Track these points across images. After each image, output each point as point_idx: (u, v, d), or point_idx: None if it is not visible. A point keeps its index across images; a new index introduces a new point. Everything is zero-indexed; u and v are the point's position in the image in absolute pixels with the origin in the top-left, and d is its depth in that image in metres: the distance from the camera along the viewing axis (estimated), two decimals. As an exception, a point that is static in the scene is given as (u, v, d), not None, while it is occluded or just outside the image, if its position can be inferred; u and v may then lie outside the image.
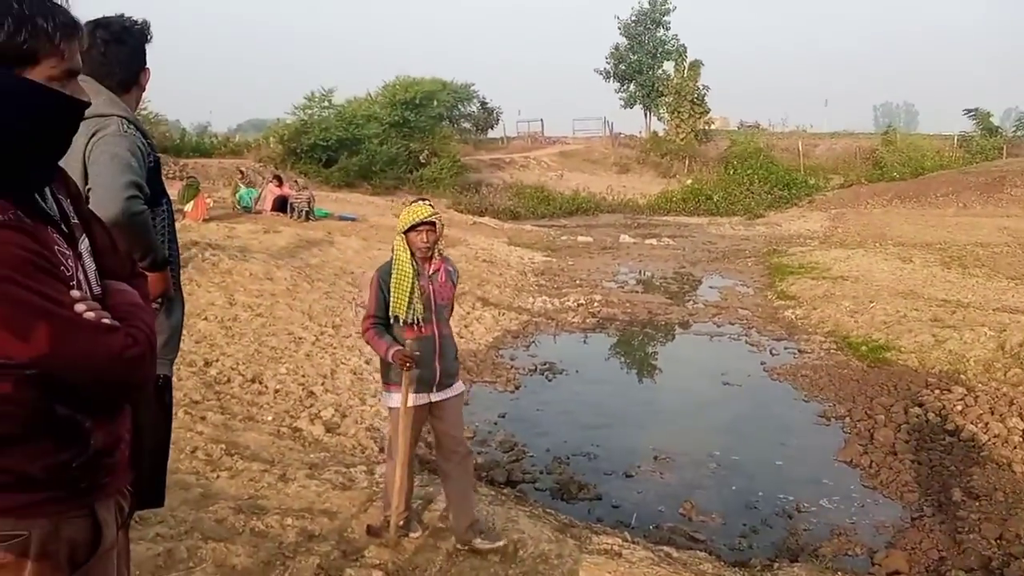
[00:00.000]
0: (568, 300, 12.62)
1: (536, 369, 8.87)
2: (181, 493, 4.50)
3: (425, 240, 3.86)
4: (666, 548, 4.71)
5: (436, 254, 4.01)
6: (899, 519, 5.37)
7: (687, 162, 38.07)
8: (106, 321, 1.39)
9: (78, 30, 1.41)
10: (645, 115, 46.40)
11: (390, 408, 4.09)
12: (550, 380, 8.58)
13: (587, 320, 11.46)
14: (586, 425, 7.23)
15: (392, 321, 3.92)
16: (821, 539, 5.07)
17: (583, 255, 18.66)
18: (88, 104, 1.47)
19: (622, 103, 46.45)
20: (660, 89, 43.07)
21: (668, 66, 43.67)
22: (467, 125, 43.84)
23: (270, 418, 6.37)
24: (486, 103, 44.61)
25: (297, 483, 4.86)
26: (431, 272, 3.99)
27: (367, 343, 4.06)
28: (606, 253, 19.23)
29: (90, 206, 2.00)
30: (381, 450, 6.15)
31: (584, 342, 10.57)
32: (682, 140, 40.17)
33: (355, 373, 7.76)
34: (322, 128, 28.60)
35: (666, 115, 42.46)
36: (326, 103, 30.37)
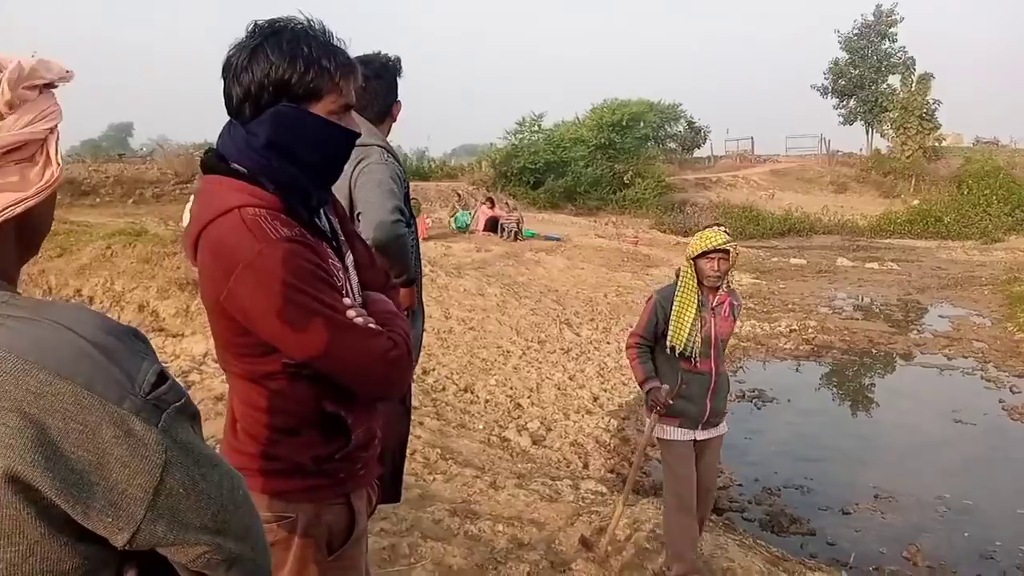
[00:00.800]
0: (779, 325, 12.11)
1: (744, 395, 8.58)
2: (402, 492, 4.83)
3: (716, 269, 3.59)
4: (888, 592, 4.40)
5: (724, 285, 3.74)
6: None
7: (913, 181, 35.23)
8: (372, 326, 1.52)
9: (355, 69, 1.58)
10: (866, 132, 43.59)
11: (658, 438, 3.87)
12: (759, 408, 8.27)
13: (800, 347, 10.94)
14: (798, 456, 6.91)
15: (668, 351, 3.68)
16: (1075, 602, 4.51)
17: (795, 278, 17.84)
18: (359, 135, 1.65)
19: (841, 120, 43.96)
20: (884, 104, 40.27)
21: (894, 80, 40.80)
22: (673, 145, 43.36)
23: (481, 427, 6.66)
24: (693, 122, 43.91)
25: (507, 491, 5.04)
26: (715, 304, 3.73)
27: (628, 360, 3.87)
28: (821, 277, 18.25)
29: (360, 229, 2.21)
30: (585, 466, 6.24)
31: (797, 370, 10.09)
32: (908, 158, 37.24)
33: (559, 388, 7.92)
34: (531, 152, 29.50)
35: (891, 131, 39.62)
36: (536, 127, 31.29)
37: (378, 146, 2.69)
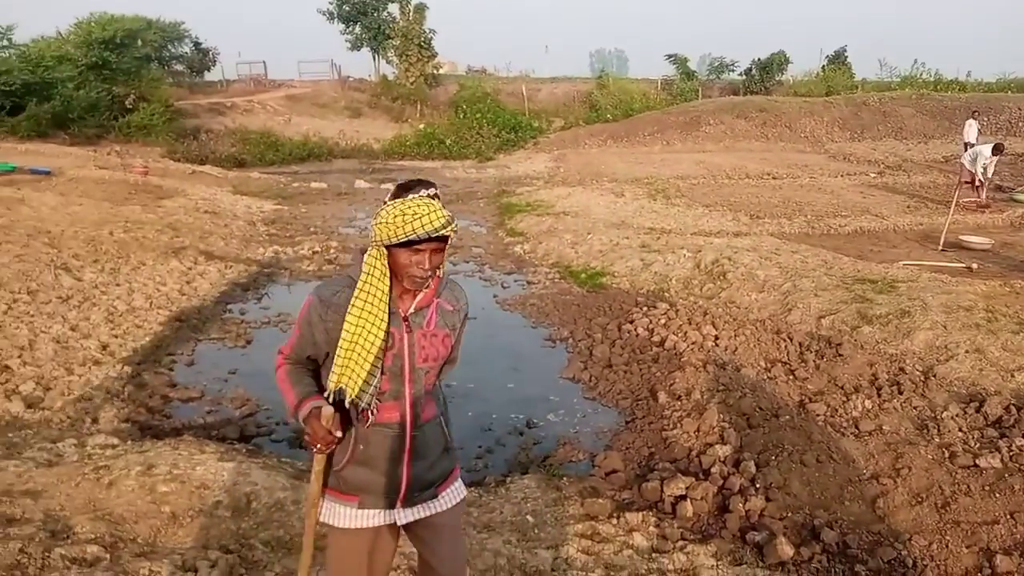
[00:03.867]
0: (302, 248, 12.26)
1: (269, 322, 8.56)
2: None
3: (425, 267, 2.21)
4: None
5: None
6: (615, 424, 5.93)
7: (419, 106, 38.13)
8: None
9: None
10: (373, 58, 45.60)
11: (330, 527, 2.44)
12: (284, 331, 8.31)
13: (323, 267, 11.22)
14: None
15: (332, 397, 2.25)
16: (549, 450, 5.47)
17: (317, 202, 18.16)
18: None
19: (348, 45, 45.20)
20: (387, 32, 42.47)
21: (393, 8, 43.10)
22: (180, 67, 40.43)
23: (-51, 400, 5.57)
24: (200, 43, 41.38)
25: (-12, 467, 4.32)
26: (410, 311, 2.30)
27: (279, 387, 2.36)
28: (341, 199, 18.87)
29: None
30: (95, 420, 5.63)
31: (321, 290, 10.34)
32: (412, 84, 40.06)
33: (59, 342, 6.98)
34: (1, 70, 24.91)
35: (395, 58, 42.03)
36: (5, 42, 26.44)
37: None
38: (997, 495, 4.39)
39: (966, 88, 37.70)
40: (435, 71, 42.56)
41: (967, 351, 6.31)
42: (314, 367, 2.40)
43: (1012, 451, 4.80)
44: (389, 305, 2.24)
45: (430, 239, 2.16)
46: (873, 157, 25.21)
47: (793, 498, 4.56)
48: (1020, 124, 30.46)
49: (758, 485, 4.69)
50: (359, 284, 2.21)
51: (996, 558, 3.87)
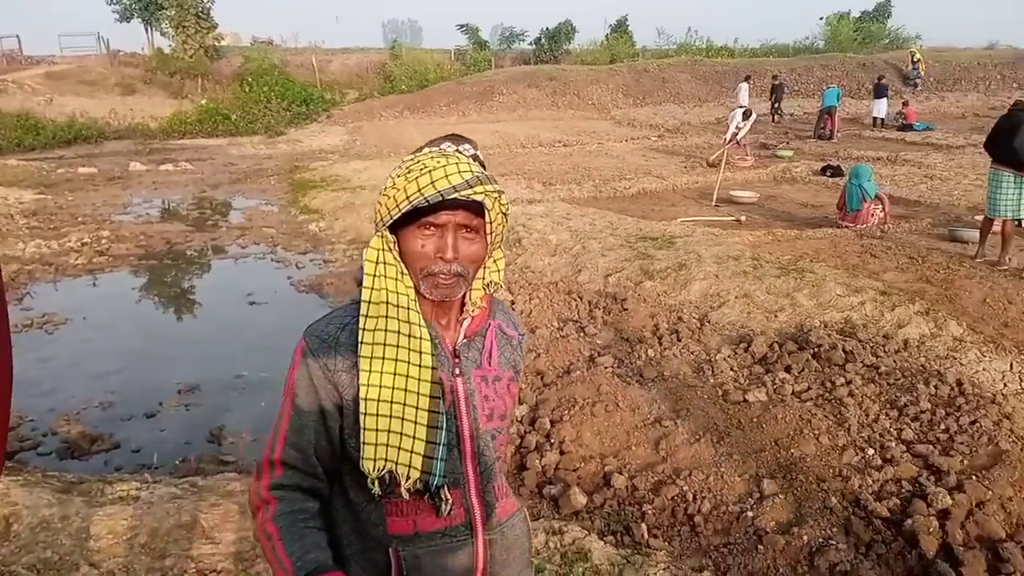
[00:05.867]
0: (70, 240, 11.14)
1: (32, 323, 7.72)
2: None
3: (447, 255, 1.36)
4: (192, 479, 4.53)
5: (477, 297, 1.47)
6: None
7: (200, 81, 35.76)
8: None
9: None
10: (146, 30, 42.13)
11: None
12: (50, 333, 7.54)
13: (94, 260, 10.27)
14: (98, 374, 6.54)
15: (363, 489, 1.39)
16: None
17: (86, 188, 16.55)
18: None
19: (116, 16, 41.44)
20: (159, 1, 39.36)
21: (164, -24, 39.92)
22: (-88, 43, 35.40)
23: None
24: (-66, 15, 36.42)
25: None
26: (459, 343, 1.46)
27: (255, 539, 1.62)
28: (114, 184, 17.33)
29: None
30: None
31: (93, 285, 9.46)
32: (191, 57, 37.48)
33: None
34: None
35: (171, 30, 39.09)
36: None
37: None
38: (764, 426, 4.82)
39: (734, 54, 40.83)
40: (216, 43, 40.04)
41: (736, 297, 6.86)
42: (314, 489, 1.42)
43: (775, 384, 5.29)
44: (431, 333, 1.41)
45: (449, 207, 1.34)
46: (654, 121, 26.78)
47: (585, 448, 4.76)
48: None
49: (553, 440, 4.85)
50: (363, 294, 1.38)
51: (763, 482, 4.25)
